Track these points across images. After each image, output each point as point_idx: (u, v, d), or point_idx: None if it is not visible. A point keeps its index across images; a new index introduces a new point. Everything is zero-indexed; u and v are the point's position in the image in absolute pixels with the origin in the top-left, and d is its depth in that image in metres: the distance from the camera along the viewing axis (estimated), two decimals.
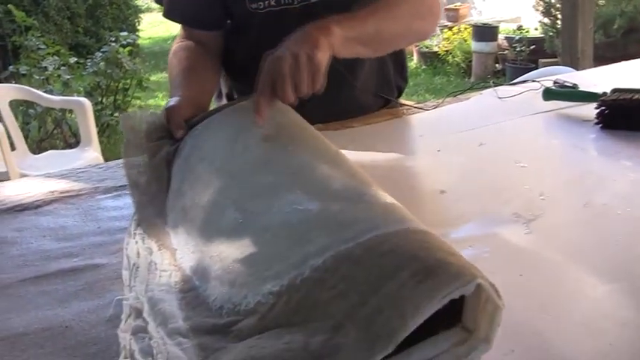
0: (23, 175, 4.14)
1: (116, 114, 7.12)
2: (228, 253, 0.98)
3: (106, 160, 4.69)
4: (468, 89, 2.14)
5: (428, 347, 0.76)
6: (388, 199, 0.95)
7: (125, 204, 1.38)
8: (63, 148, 6.21)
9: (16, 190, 1.48)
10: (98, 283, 1.07)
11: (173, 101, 1.40)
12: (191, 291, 0.97)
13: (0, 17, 9.07)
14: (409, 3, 1.57)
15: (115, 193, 1.45)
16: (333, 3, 1.56)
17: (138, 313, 0.93)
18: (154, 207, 1.20)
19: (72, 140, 6.79)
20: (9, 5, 7.78)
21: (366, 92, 1.87)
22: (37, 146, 6.19)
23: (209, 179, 1.17)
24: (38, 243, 1.23)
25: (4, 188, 1.51)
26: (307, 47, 1.28)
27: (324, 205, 0.94)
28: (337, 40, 1.36)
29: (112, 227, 1.28)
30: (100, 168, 1.62)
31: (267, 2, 1.67)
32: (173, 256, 1.07)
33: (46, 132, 6.66)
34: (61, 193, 1.46)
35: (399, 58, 1.93)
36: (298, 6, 1.66)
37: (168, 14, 1.85)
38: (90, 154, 4.79)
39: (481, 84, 2.18)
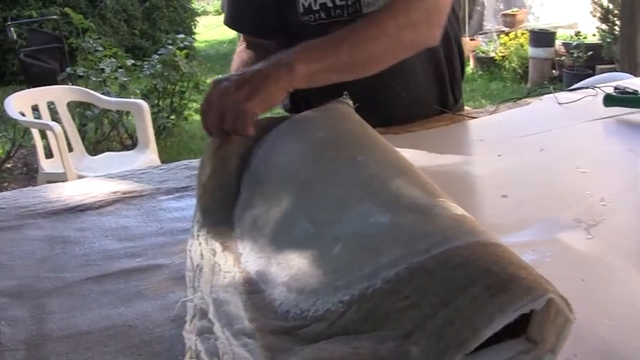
0: (80, 176, 4.19)
1: (172, 117, 7.17)
2: (298, 261, 0.98)
3: (163, 162, 4.72)
4: (527, 95, 2.13)
5: (491, 354, 0.76)
6: (459, 210, 0.95)
7: (187, 205, 1.39)
8: (119, 150, 6.27)
9: (78, 191, 1.50)
10: (161, 283, 1.08)
11: None
12: (256, 293, 0.98)
13: (57, 19, 9.18)
14: (396, 16, 1.49)
15: (177, 195, 1.46)
16: None
17: (203, 313, 0.94)
18: (221, 212, 1.21)
19: (128, 142, 6.86)
20: (66, 8, 7.88)
21: (421, 101, 1.86)
22: (93, 148, 6.27)
23: (279, 190, 1.18)
24: (100, 243, 1.24)
25: (65, 188, 1.53)
26: (243, 93, 1.30)
27: (395, 217, 0.94)
28: (299, 77, 1.36)
29: (175, 228, 1.29)
30: (161, 169, 1.64)
31: (317, 15, 1.69)
32: (237, 260, 1.08)
33: (103, 134, 6.73)
34: (123, 193, 1.47)
35: (452, 63, 1.92)
36: (348, 18, 1.67)
37: (229, 23, 1.87)
38: (147, 156, 4.83)
39: (538, 90, 2.17)
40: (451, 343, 0.71)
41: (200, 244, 1.13)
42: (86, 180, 1.59)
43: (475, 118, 1.90)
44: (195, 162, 1.65)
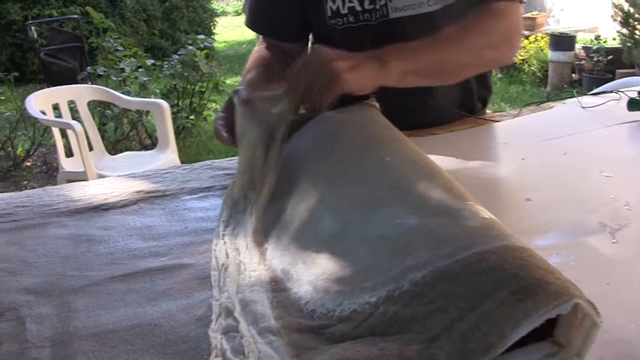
0: (100, 176, 4.20)
1: (191, 117, 7.18)
2: (324, 260, 0.99)
3: (182, 162, 4.73)
4: (550, 99, 2.12)
5: (518, 357, 0.76)
6: (486, 214, 0.95)
7: (211, 205, 1.39)
8: (138, 150, 6.29)
9: (102, 190, 1.51)
10: (186, 282, 1.08)
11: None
12: (282, 291, 0.98)
13: (78, 19, 9.21)
14: (480, 34, 1.53)
15: (201, 194, 1.46)
16: (411, 19, 1.58)
17: (228, 312, 0.94)
18: (245, 208, 1.22)
19: (147, 142, 6.88)
20: (87, 7, 7.91)
21: (446, 106, 1.86)
22: (112, 147, 6.28)
23: (306, 187, 1.18)
24: (125, 242, 1.24)
25: (89, 187, 1.54)
26: (341, 64, 1.31)
27: (422, 219, 0.95)
28: (394, 73, 1.38)
29: (199, 228, 1.29)
30: (184, 169, 1.64)
31: (345, 19, 1.69)
32: (263, 256, 1.08)
33: (122, 133, 6.75)
34: (147, 193, 1.48)
35: (488, 72, 1.92)
36: (376, 22, 1.67)
37: (250, 25, 1.88)
38: (167, 155, 4.83)
39: (561, 93, 2.16)
40: (477, 348, 0.72)
41: (225, 243, 1.13)
42: (109, 179, 1.60)
43: (498, 121, 1.90)
44: (219, 162, 1.66)
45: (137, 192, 1.48)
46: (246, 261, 1.08)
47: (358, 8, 1.67)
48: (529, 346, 0.77)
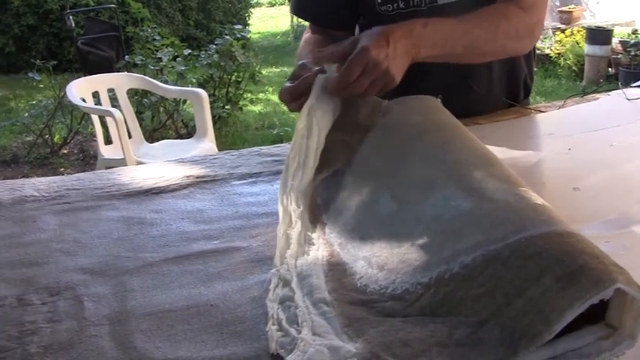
0: (139, 163, 4.23)
1: (227, 106, 7.21)
2: (380, 237, 1.01)
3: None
4: (595, 91, 2.12)
5: (572, 340, 0.77)
6: (538, 200, 0.96)
7: (261, 190, 1.40)
8: (174, 139, 6.32)
9: (151, 174, 1.52)
10: (240, 265, 1.09)
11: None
12: (338, 265, 1.01)
13: (114, 8, 9.25)
14: (508, 24, 1.57)
15: (250, 180, 1.47)
16: (459, 4, 1.59)
17: (286, 282, 0.97)
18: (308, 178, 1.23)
19: (183, 131, 6.91)
20: None
21: (492, 95, 1.87)
22: (149, 135, 6.31)
23: (367, 164, 1.20)
24: (177, 225, 1.26)
25: (138, 172, 1.56)
26: (388, 59, 1.32)
27: (477, 203, 0.96)
28: (421, 58, 1.42)
29: (250, 212, 1.30)
30: (232, 155, 1.65)
31: (395, 5, 1.70)
32: (322, 230, 1.10)
33: (159, 122, 6.78)
34: (196, 178, 1.49)
35: (529, 58, 1.92)
36: (425, 8, 1.68)
37: (297, 12, 1.89)
38: (205, 144, 4.86)
39: (605, 85, 2.15)
40: (524, 335, 0.74)
41: (290, 211, 1.15)
42: (158, 164, 1.61)
43: (543, 112, 1.89)
44: (266, 149, 1.67)
45: (187, 177, 1.49)
46: (308, 233, 1.10)
47: None
48: (582, 329, 0.78)
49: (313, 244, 1.07)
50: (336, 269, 1.00)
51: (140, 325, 0.93)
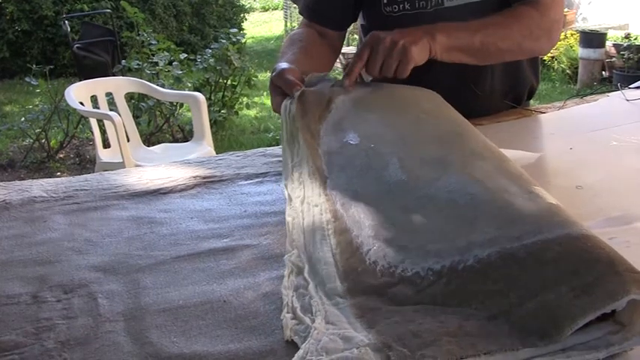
0: (138, 166, 4.23)
1: (223, 111, 7.21)
2: (388, 208, 1.03)
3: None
4: (590, 93, 2.13)
5: (581, 334, 0.78)
6: (552, 199, 0.98)
7: (268, 190, 1.42)
8: (170, 142, 6.32)
9: (158, 175, 1.54)
10: (250, 262, 1.11)
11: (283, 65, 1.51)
12: (344, 233, 1.02)
13: (109, 13, 9.26)
14: (522, 24, 1.61)
15: (257, 180, 1.48)
16: (465, 7, 1.61)
17: (299, 270, 0.99)
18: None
19: (179, 135, 6.91)
20: (122, 1, 7.96)
21: (495, 96, 1.89)
22: (146, 139, 6.31)
23: (375, 128, 1.22)
24: (187, 224, 1.27)
25: (145, 172, 1.57)
26: (407, 40, 1.41)
27: (491, 194, 0.97)
28: (439, 47, 1.47)
29: (258, 211, 1.31)
30: (237, 156, 1.66)
31: (401, 6, 1.72)
32: (324, 185, 1.13)
33: (156, 126, 6.79)
34: (203, 178, 1.50)
35: (535, 64, 1.94)
36: (431, 10, 1.69)
37: (306, 13, 1.89)
38: (203, 147, 4.85)
39: (603, 87, 2.17)
40: (534, 333, 0.76)
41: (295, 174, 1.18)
42: (164, 165, 1.62)
43: (544, 113, 1.91)
44: (271, 150, 1.68)
45: (193, 177, 1.51)
46: (308, 194, 1.12)
47: None
48: (591, 326, 0.79)
49: (316, 206, 1.10)
50: (343, 240, 1.01)
51: (155, 321, 0.95)
